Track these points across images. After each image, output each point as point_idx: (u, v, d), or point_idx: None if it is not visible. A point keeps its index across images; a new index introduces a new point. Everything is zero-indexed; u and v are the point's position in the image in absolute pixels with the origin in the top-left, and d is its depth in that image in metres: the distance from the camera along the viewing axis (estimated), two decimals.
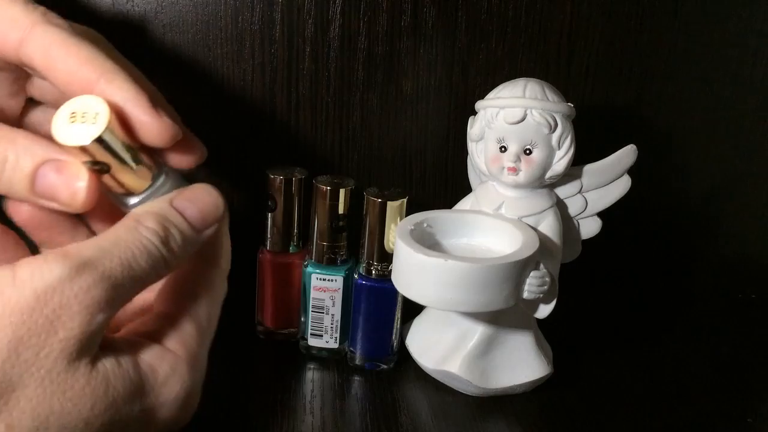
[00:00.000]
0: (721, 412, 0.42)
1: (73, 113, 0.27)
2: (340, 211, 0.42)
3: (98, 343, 0.27)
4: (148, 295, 0.34)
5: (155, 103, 0.29)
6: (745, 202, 0.56)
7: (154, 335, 0.30)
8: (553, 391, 0.42)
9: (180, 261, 0.30)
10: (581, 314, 0.51)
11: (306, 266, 0.43)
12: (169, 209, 0.30)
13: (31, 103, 0.36)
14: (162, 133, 0.29)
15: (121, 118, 0.29)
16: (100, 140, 0.27)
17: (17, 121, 0.35)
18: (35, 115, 0.36)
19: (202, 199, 0.31)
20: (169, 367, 0.29)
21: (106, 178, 0.29)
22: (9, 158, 0.28)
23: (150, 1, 0.45)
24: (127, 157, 0.29)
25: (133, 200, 0.31)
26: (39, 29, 0.29)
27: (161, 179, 0.31)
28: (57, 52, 0.29)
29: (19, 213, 0.32)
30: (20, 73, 0.33)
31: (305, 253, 0.44)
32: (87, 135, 0.27)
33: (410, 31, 0.47)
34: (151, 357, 0.29)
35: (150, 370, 0.29)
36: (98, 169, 0.28)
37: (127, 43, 0.36)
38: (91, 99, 0.28)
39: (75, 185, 0.28)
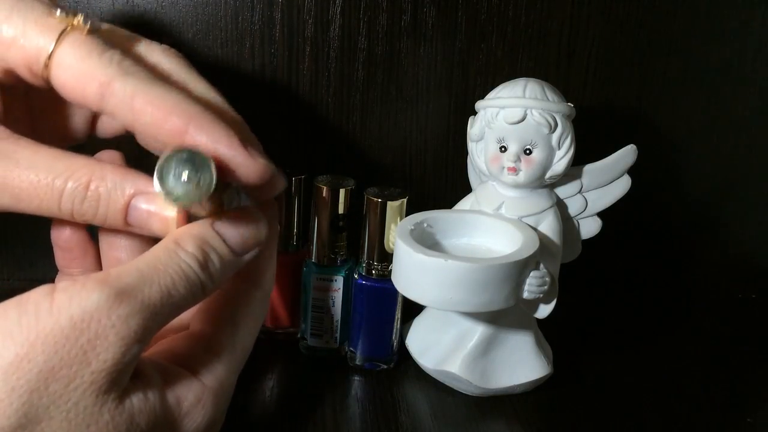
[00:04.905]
0: (721, 412, 0.42)
1: (177, 168, 0.27)
2: (340, 211, 0.42)
3: (129, 375, 0.26)
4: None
5: (245, 142, 0.29)
6: (745, 202, 0.56)
7: (184, 360, 0.30)
8: (553, 391, 0.42)
9: (216, 286, 0.29)
10: (581, 314, 0.51)
11: (306, 266, 0.43)
12: (209, 232, 0.29)
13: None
14: (259, 174, 0.29)
15: (216, 162, 0.28)
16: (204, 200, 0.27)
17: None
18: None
19: (244, 223, 0.30)
20: (195, 397, 0.29)
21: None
22: (102, 195, 0.28)
23: (150, 1, 0.45)
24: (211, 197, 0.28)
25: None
26: (117, 84, 0.28)
27: (234, 202, 0.31)
28: (140, 105, 0.28)
29: (61, 234, 0.33)
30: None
31: (305, 253, 0.44)
32: (192, 196, 0.27)
33: (410, 31, 0.47)
34: (178, 387, 0.28)
35: (176, 401, 0.28)
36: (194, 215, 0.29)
37: None
38: (195, 156, 0.27)
39: (165, 215, 0.29)
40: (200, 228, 0.29)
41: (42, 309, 0.24)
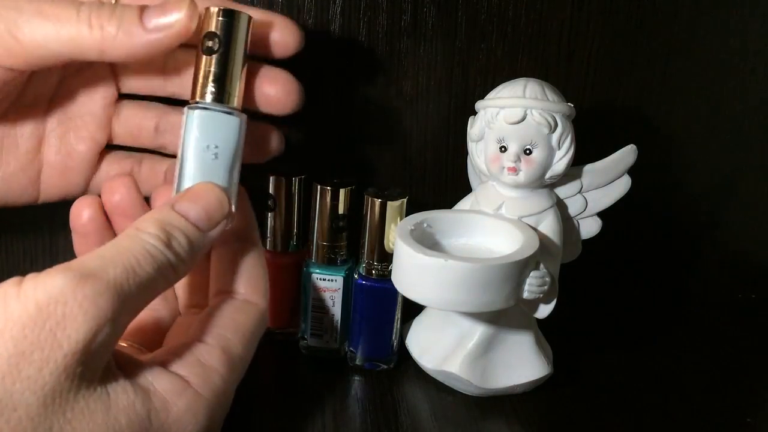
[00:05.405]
0: (721, 412, 0.42)
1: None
2: (340, 211, 0.42)
3: (105, 361, 0.26)
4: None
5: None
6: (745, 202, 0.56)
7: (180, 367, 0.30)
8: (553, 391, 0.42)
9: (189, 265, 0.30)
10: (581, 314, 0.51)
11: (306, 266, 0.43)
12: (170, 213, 0.30)
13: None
14: (297, 36, 0.35)
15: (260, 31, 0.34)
16: (243, 18, 0.33)
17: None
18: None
19: (204, 198, 0.31)
20: (185, 405, 0.28)
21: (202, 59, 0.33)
22: (118, 3, 0.32)
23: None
24: (236, 60, 0.33)
25: (190, 108, 0.33)
26: None
27: (236, 116, 0.33)
28: None
29: (79, 217, 0.35)
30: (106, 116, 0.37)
31: (305, 253, 0.44)
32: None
33: (410, 31, 0.47)
34: (167, 391, 0.28)
35: (162, 405, 0.28)
36: (210, 46, 0.32)
37: None
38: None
39: (176, 12, 0.31)
40: (160, 211, 0.30)
41: (10, 297, 0.25)
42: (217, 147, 0.32)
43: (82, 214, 0.35)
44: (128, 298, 0.26)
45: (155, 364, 0.29)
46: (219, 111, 0.32)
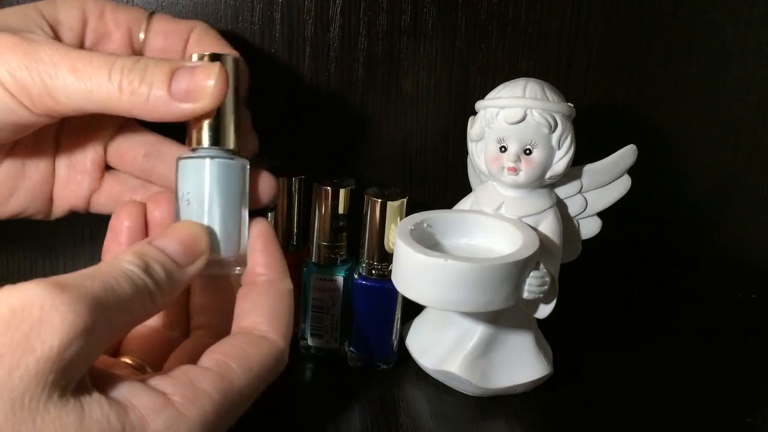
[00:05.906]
0: (721, 412, 0.42)
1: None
2: (340, 211, 0.42)
3: (80, 374, 0.26)
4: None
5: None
6: (745, 202, 0.56)
7: (164, 383, 0.29)
8: (553, 391, 0.42)
9: (167, 296, 0.30)
10: (581, 314, 0.51)
11: (306, 266, 0.43)
12: (147, 246, 0.31)
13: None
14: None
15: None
16: (228, 61, 0.33)
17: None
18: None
19: (180, 233, 0.32)
20: (163, 422, 0.27)
21: (203, 118, 0.33)
22: (150, 63, 0.32)
23: (150, 1, 0.45)
24: (231, 107, 0.34)
25: (201, 151, 0.34)
26: (199, 26, 0.37)
27: (235, 158, 0.34)
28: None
29: (120, 221, 0.36)
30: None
31: (305, 253, 0.44)
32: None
33: (410, 31, 0.47)
34: (146, 407, 0.27)
35: (140, 421, 0.27)
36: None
37: None
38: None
39: (205, 84, 0.32)
40: (138, 245, 0.31)
41: None
42: (189, 193, 0.34)
43: (124, 220, 0.36)
44: (106, 310, 0.26)
45: (137, 380, 0.28)
46: (192, 158, 0.34)
